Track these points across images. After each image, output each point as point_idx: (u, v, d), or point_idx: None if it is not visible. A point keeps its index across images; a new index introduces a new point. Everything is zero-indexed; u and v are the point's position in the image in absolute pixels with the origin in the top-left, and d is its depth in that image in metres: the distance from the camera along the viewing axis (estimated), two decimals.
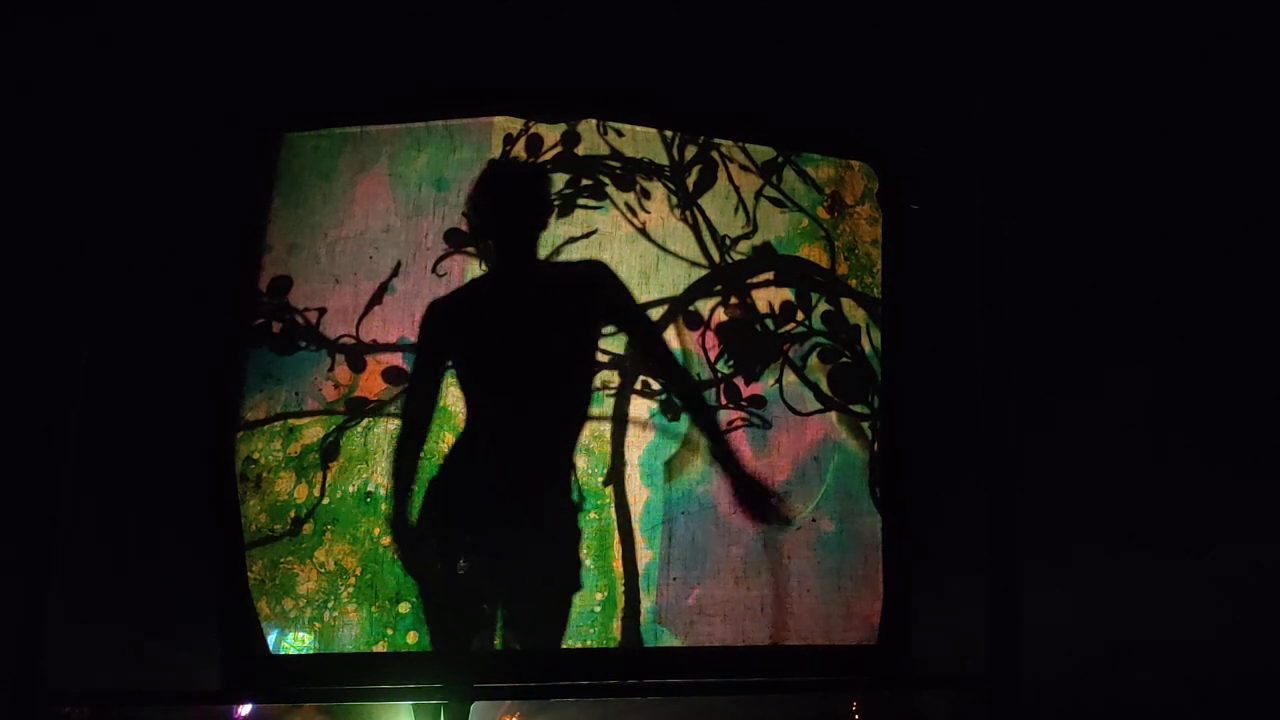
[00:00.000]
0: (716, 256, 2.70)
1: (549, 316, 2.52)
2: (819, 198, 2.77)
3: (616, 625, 2.51)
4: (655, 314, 2.65)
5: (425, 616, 2.42)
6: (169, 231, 2.54)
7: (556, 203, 2.61)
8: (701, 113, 2.73)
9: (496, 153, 2.63)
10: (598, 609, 2.51)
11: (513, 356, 2.48)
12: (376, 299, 2.54)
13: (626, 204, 2.67)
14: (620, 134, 2.69)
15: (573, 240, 2.62)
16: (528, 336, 2.50)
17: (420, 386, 2.49)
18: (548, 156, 2.65)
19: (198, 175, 2.53)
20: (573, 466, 2.51)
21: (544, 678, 2.52)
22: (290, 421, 2.48)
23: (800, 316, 2.71)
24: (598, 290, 2.54)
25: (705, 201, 2.71)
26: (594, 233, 2.63)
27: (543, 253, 2.57)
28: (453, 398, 2.52)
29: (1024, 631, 2.62)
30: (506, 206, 2.53)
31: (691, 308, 2.67)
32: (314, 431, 2.48)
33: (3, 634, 2.37)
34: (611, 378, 2.60)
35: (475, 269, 2.58)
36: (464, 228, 2.58)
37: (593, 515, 2.53)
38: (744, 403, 2.65)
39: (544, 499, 2.51)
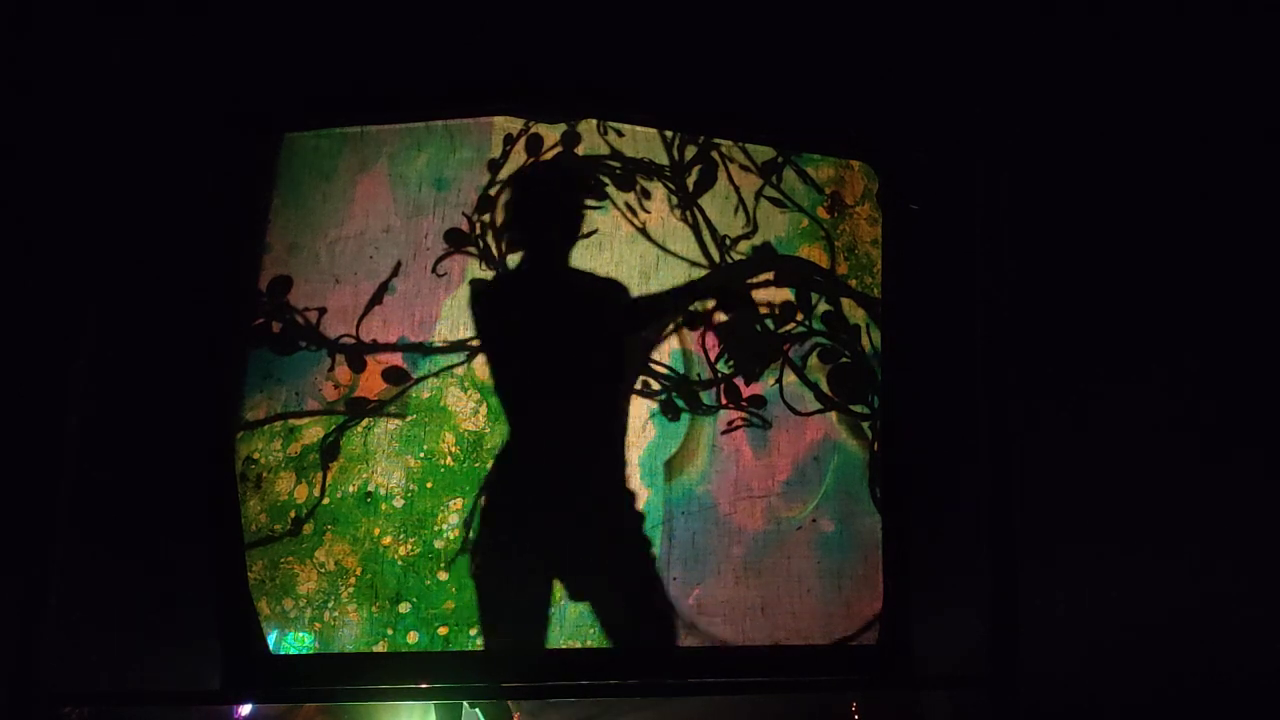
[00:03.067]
0: (716, 256, 2.70)
1: (581, 319, 2.60)
2: (819, 198, 2.78)
3: None
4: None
5: (480, 615, 2.45)
6: (169, 231, 2.54)
7: (592, 205, 2.65)
8: (701, 113, 2.73)
9: (496, 153, 2.63)
10: None
11: (549, 352, 2.56)
12: (376, 299, 2.54)
13: (626, 204, 2.67)
14: (620, 134, 2.69)
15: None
16: (562, 336, 2.58)
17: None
18: (548, 156, 2.66)
19: (198, 175, 2.53)
20: (624, 462, 2.56)
21: (544, 678, 2.52)
22: (290, 421, 2.48)
23: (800, 316, 2.71)
24: (617, 305, 2.63)
25: (705, 201, 2.71)
26: (594, 233, 2.63)
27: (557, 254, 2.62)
28: (453, 397, 2.53)
29: (1024, 631, 2.62)
30: (538, 211, 2.61)
31: (691, 308, 2.67)
32: (314, 431, 2.49)
33: (3, 634, 2.37)
34: None
35: (476, 269, 2.58)
36: (464, 228, 2.59)
37: None
38: (744, 403, 2.65)
39: (598, 492, 2.56)
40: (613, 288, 2.63)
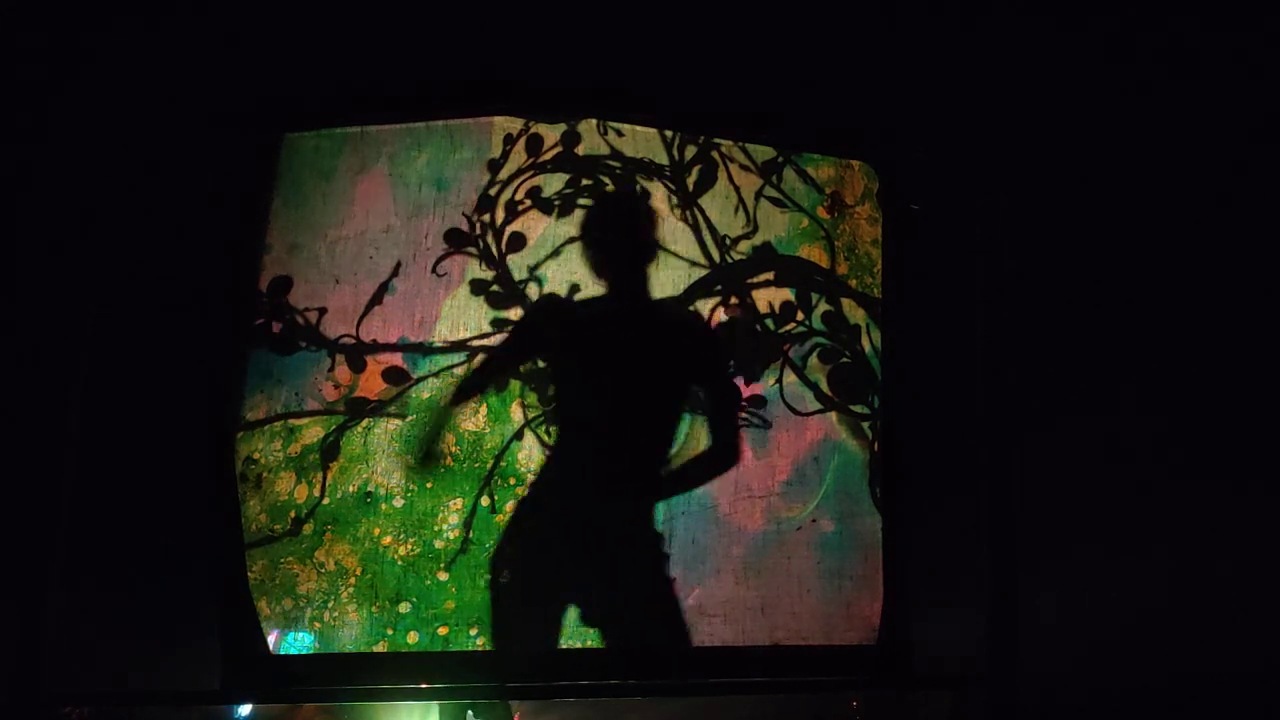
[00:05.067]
0: (716, 256, 2.70)
1: (653, 351, 2.62)
2: (819, 198, 2.77)
3: None
4: None
5: (491, 615, 2.46)
6: (169, 231, 2.54)
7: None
8: (701, 113, 2.73)
9: (496, 153, 2.63)
10: None
11: (613, 379, 2.57)
12: (376, 299, 2.54)
13: None
14: (620, 134, 2.69)
15: (573, 240, 2.62)
16: (632, 364, 2.59)
17: (500, 361, 2.55)
18: (548, 156, 2.66)
19: (198, 175, 2.53)
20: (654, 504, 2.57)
21: (543, 678, 2.52)
22: (290, 421, 2.48)
23: (800, 316, 2.71)
24: (698, 349, 2.66)
25: (705, 201, 2.71)
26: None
27: (550, 253, 2.60)
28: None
29: (1023, 631, 2.62)
30: (627, 240, 2.64)
31: (691, 308, 2.67)
32: (314, 431, 2.48)
33: (3, 634, 2.37)
34: None
35: (476, 269, 2.58)
36: (464, 228, 2.59)
37: None
38: (744, 403, 2.65)
39: (628, 521, 2.56)
40: (683, 314, 2.65)
